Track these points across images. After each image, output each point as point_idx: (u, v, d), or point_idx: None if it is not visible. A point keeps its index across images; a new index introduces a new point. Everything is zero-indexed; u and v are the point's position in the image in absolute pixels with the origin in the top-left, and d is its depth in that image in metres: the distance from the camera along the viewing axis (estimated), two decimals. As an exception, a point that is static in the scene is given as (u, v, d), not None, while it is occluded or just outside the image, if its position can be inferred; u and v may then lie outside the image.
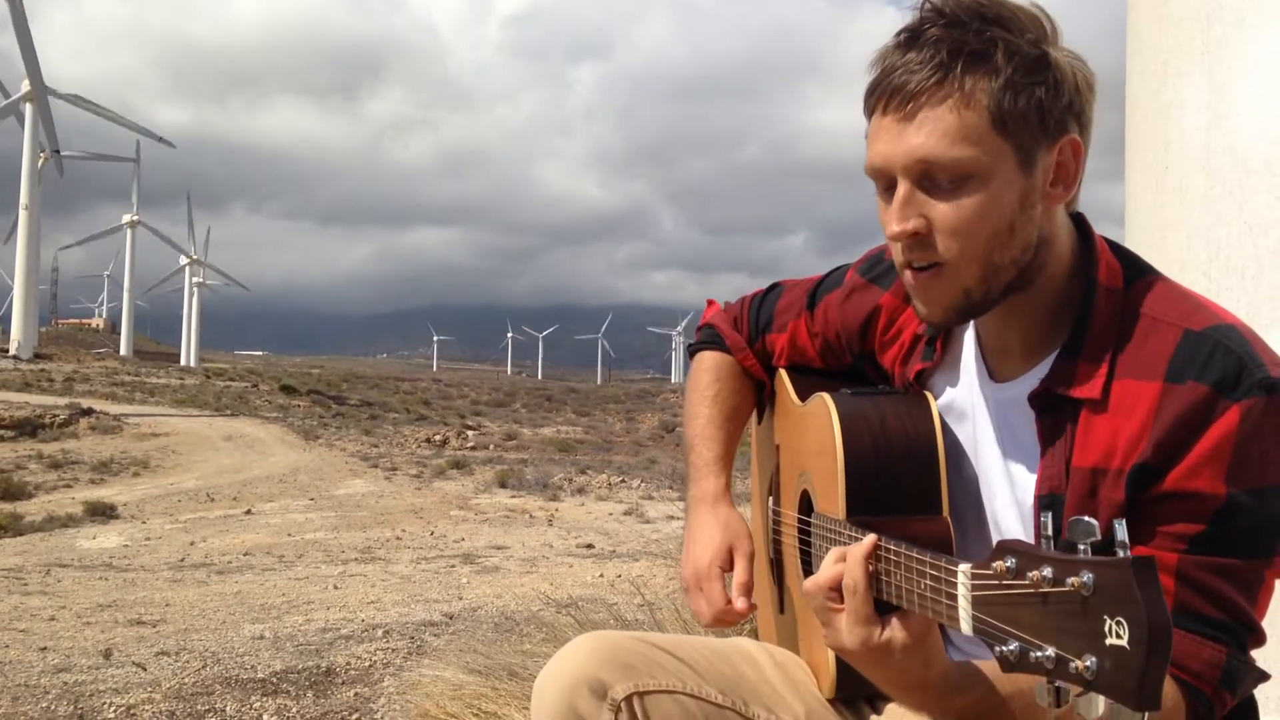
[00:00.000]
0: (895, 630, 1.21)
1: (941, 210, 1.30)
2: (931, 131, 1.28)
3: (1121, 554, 0.93)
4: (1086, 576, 0.92)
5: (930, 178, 1.29)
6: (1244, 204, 2.31)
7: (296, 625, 6.70)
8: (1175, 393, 1.25)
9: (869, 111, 1.35)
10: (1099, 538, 0.95)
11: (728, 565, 1.68)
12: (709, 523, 1.71)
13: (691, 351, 1.90)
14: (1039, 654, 0.95)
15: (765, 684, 1.59)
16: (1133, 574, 0.90)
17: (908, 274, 1.35)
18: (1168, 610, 0.90)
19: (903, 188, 1.31)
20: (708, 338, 1.87)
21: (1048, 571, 0.95)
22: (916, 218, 1.31)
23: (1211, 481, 1.22)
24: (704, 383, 1.82)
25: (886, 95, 1.31)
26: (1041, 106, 1.28)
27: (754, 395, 1.85)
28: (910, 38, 1.30)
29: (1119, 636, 0.90)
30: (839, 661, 1.46)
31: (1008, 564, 1.00)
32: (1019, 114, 1.27)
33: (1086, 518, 0.95)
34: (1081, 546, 0.95)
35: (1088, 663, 0.91)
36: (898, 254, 1.35)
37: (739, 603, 1.64)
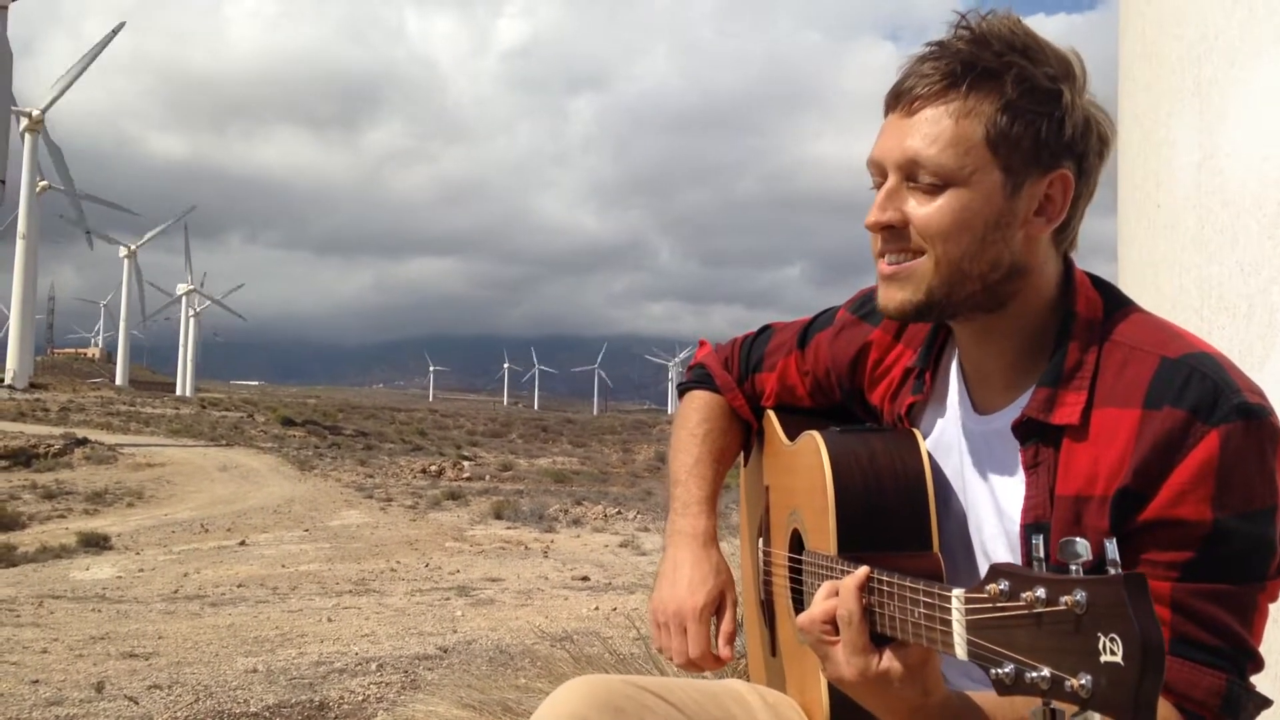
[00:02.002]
0: (892, 660, 1.21)
1: (918, 210, 1.35)
2: (926, 133, 1.33)
3: (1113, 572, 0.93)
4: (1079, 595, 0.93)
5: (915, 176, 1.35)
6: (1235, 243, 2.32)
7: (290, 658, 6.67)
8: (1153, 418, 1.27)
9: (884, 111, 1.40)
10: (1089, 558, 0.96)
11: (716, 611, 1.68)
12: (700, 562, 1.71)
13: (681, 390, 1.91)
14: (1034, 674, 0.96)
15: (756, 726, 1.58)
16: (1125, 590, 0.91)
17: (880, 262, 1.40)
18: (1160, 625, 0.90)
19: (891, 181, 1.37)
20: (698, 377, 1.88)
21: (1041, 592, 0.96)
22: (894, 211, 1.36)
23: (1197, 508, 1.23)
24: (694, 421, 1.83)
25: (896, 95, 1.37)
26: (1039, 136, 1.31)
27: (741, 437, 1.86)
28: (935, 49, 1.36)
29: (1113, 653, 0.90)
30: (832, 703, 1.46)
31: (1001, 586, 1.01)
32: (1013, 137, 1.31)
33: (1077, 539, 0.96)
34: (1073, 567, 0.96)
35: (1083, 681, 0.91)
36: (875, 243, 1.40)
37: (724, 650, 1.65)
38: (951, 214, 1.33)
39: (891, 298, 1.40)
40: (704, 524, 1.75)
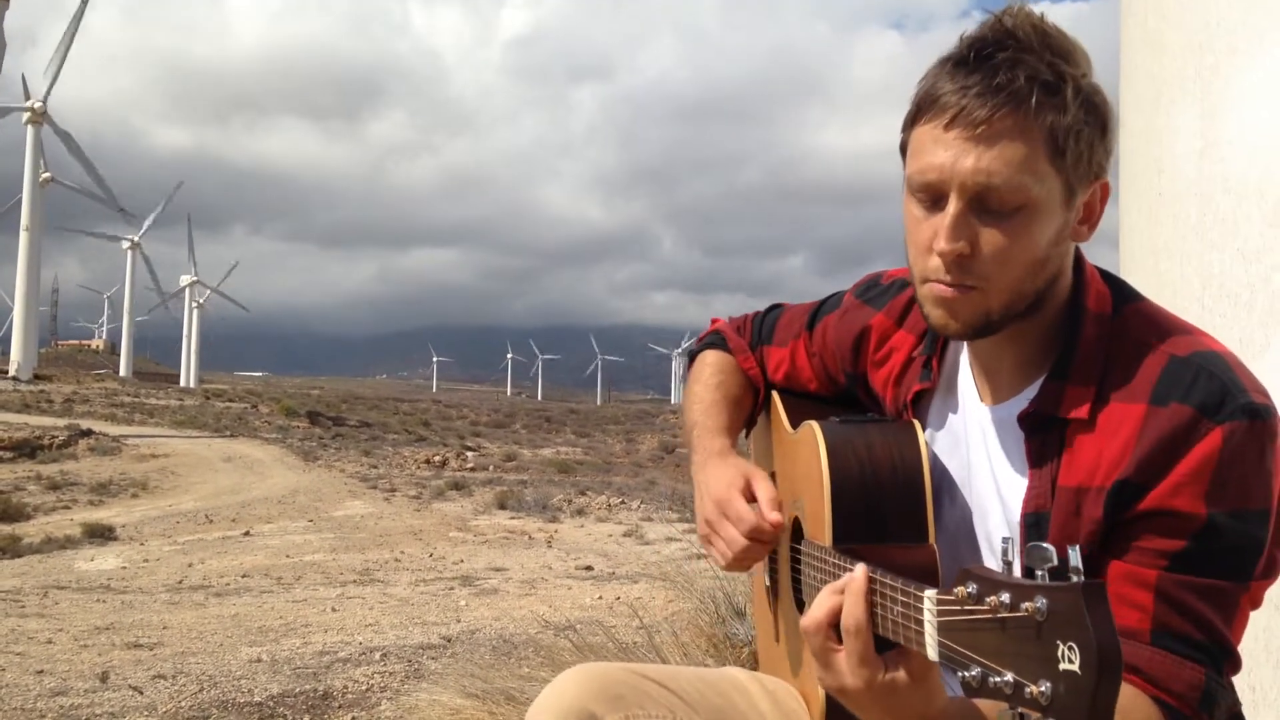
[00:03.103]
0: (899, 670, 1.19)
1: (990, 236, 1.30)
2: (999, 157, 1.27)
3: (1075, 579, 0.94)
4: (1040, 601, 0.93)
5: (985, 202, 1.30)
6: (1236, 231, 2.32)
7: (294, 648, 6.69)
8: (1159, 415, 1.27)
9: (922, 121, 1.33)
10: (1055, 563, 0.96)
11: (748, 495, 1.61)
12: (718, 465, 1.67)
13: (692, 355, 1.91)
14: (998, 679, 0.96)
15: (756, 713, 1.59)
16: (1083, 598, 0.91)
17: (937, 286, 1.35)
18: (1117, 635, 0.91)
19: (956, 206, 1.30)
20: (711, 340, 1.90)
21: (1005, 597, 0.97)
22: (965, 241, 1.31)
23: (1192, 501, 1.24)
24: (707, 374, 1.84)
25: (953, 111, 1.29)
26: (1092, 148, 1.30)
27: (753, 398, 1.85)
28: (981, 56, 1.29)
29: (1071, 661, 0.91)
30: (829, 694, 1.46)
31: (969, 590, 1.01)
32: (1075, 153, 1.29)
33: (1044, 544, 0.97)
34: (1039, 572, 0.96)
35: (1043, 688, 0.92)
36: (928, 266, 1.35)
37: (773, 516, 1.56)
38: (1025, 239, 1.30)
39: (946, 322, 1.36)
40: (720, 442, 1.72)
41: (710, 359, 1.86)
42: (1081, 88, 1.29)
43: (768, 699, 1.61)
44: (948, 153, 1.29)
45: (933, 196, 1.33)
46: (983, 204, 1.30)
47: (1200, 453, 1.24)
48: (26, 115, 63.14)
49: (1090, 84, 1.31)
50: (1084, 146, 1.30)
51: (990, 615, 0.98)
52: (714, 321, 1.95)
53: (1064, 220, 1.33)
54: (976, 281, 1.32)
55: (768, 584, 1.82)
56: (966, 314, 1.35)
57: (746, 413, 1.84)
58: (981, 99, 1.27)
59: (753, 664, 1.87)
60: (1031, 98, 1.26)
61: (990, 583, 0.99)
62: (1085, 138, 1.29)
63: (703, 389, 1.82)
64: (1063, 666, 0.91)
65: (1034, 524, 1.35)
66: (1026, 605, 0.94)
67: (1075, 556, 0.96)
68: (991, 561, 1.44)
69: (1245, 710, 1.37)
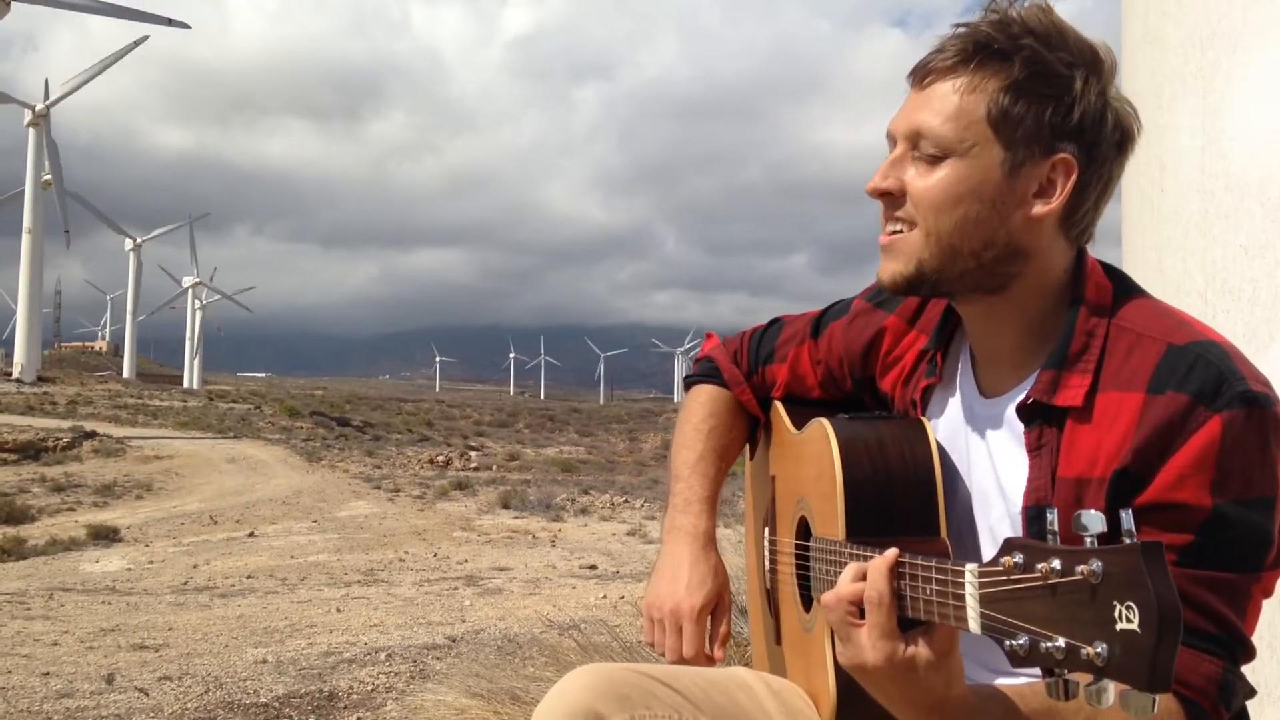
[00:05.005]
0: (920, 646, 1.18)
1: (915, 177, 1.38)
2: (931, 106, 1.37)
3: (1129, 542, 0.94)
4: (1095, 564, 0.94)
5: (918, 146, 1.38)
6: (1239, 227, 2.32)
7: (299, 649, 6.70)
8: (1155, 403, 1.27)
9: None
10: (1104, 530, 0.97)
11: (712, 613, 1.70)
12: (699, 563, 1.72)
13: (688, 384, 1.91)
14: (1049, 645, 0.96)
15: (762, 713, 1.59)
16: (1141, 558, 0.92)
17: (881, 237, 1.44)
18: (1176, 592, 0.91)
19: (898, 150, 1.41)
20: (705, 371, 1.88)
21: (1056, 563, 0.97)
22: (894, 179, 1.40)
23: (1197, 493, 1.24)
24: (699, 416, 1.83)
25: (916, 70, 1.41)
26: (1042, 118, 1.33)
27: (746, 432, 1.87)
28: (959, 28, 1.39)
29: (1129, 621, 0.91)
30: (839, 689, 1.46)
31: (1016, 559, 1.01)
32: (1015, 117, 1.33)
33: (1091, 511, 0.97)
34: (1088, 539, 0.96)
35: (1098, 649, 0.92)
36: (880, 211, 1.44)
37: (717, 652, 1.67)
38: (945, 186, 1.36)
39: (885, 269, 1.44)
40: (705, 524, 1.75)
41: (703, 396, 1.85)
42: (1038, 60, 1.34)
43: (773, 699, 1.61)
44: (904, 106, 1.42)
45: (891, 148, 1.43)
46: (917, 149, 1.39)
47: (1199, 441, 1.24)
48: (28, 116, 63.13)
49: (1060, 61, 1.34)
50: (1028, 114, 1.34)
51: (1040, 582, 0.98)
52: (708, 338, 1.95)
53: (1004, 185, 1.35)
54: (903, 225, 1.40)
55: (766, 588, 1.82)
56: (900, 257, 1.41)
57: (735, 457, 1.87)
58: (934, 57, 1.39)
59: (750, 666, 1.87)
60: (974, 58, 1.35)
61: (1039, 550, 1.00)
62: (1031, 106, 1.34)
63: (692, 433, 1.82)
64: (1120, 627, 0.92)
65: (1035, 517, 1.35)
66: (1081, 569, 0.94)
67: (1128, 519, 0.97)
68: (991, 553, 1.44)
69: (1251, 706, 1.37)
